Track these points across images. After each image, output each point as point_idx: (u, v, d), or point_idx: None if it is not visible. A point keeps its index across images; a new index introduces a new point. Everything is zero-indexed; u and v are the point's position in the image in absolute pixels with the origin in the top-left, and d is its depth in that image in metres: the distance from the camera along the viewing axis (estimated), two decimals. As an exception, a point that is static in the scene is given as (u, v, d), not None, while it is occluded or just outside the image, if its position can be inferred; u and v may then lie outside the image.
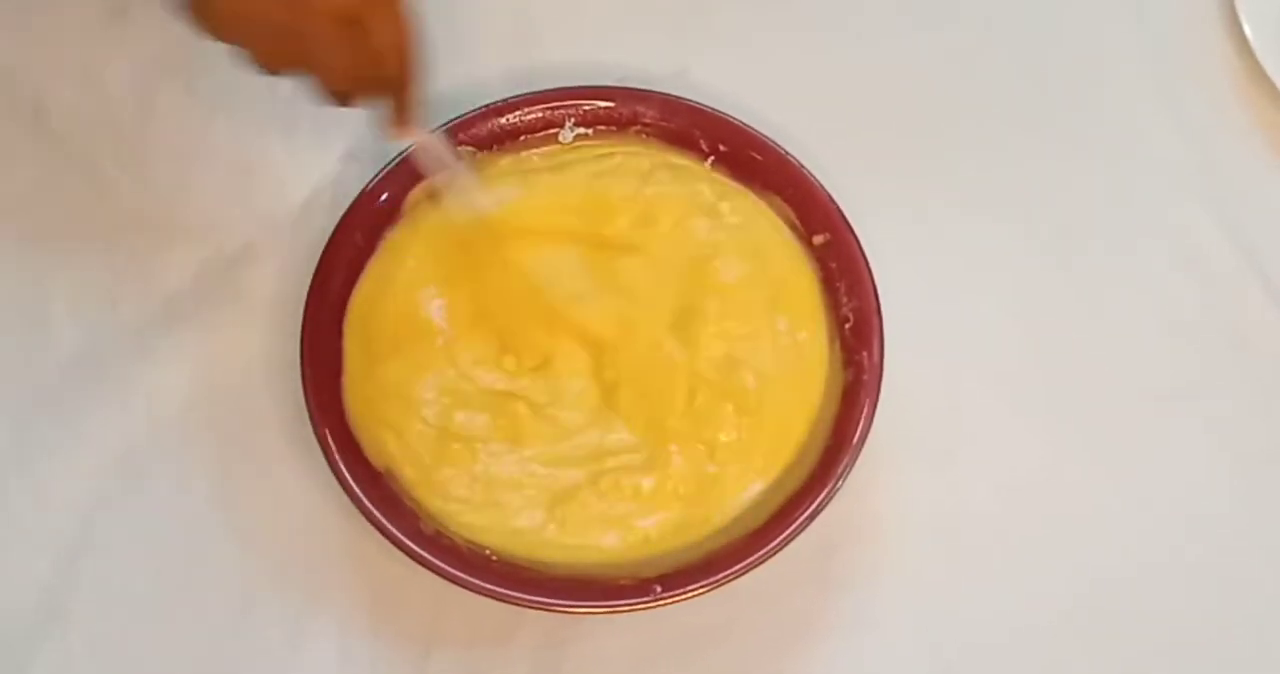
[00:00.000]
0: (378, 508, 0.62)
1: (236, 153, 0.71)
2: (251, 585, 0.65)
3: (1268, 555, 0.68)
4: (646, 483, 0.64)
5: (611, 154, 0.69)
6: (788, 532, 0.61)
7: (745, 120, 0.68)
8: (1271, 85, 0.73)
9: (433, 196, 0.67)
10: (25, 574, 0.65)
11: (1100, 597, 0.67)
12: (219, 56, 0.71)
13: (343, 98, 0.60)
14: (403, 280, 0.67)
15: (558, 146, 0.69)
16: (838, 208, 0.67)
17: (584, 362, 0.66)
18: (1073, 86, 0.75)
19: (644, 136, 0.69)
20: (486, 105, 0.68)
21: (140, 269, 0.70)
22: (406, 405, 0.65)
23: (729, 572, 0.61)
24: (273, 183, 0.70)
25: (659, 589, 0.61)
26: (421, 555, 0.61)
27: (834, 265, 0.67)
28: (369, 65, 0.57)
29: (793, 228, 0.68)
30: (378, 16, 0.56)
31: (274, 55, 0.57)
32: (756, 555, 0.61)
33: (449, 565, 0.61)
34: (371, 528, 0.62)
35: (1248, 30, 0.73)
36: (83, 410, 0.67)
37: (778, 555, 0.61)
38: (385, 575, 0.64)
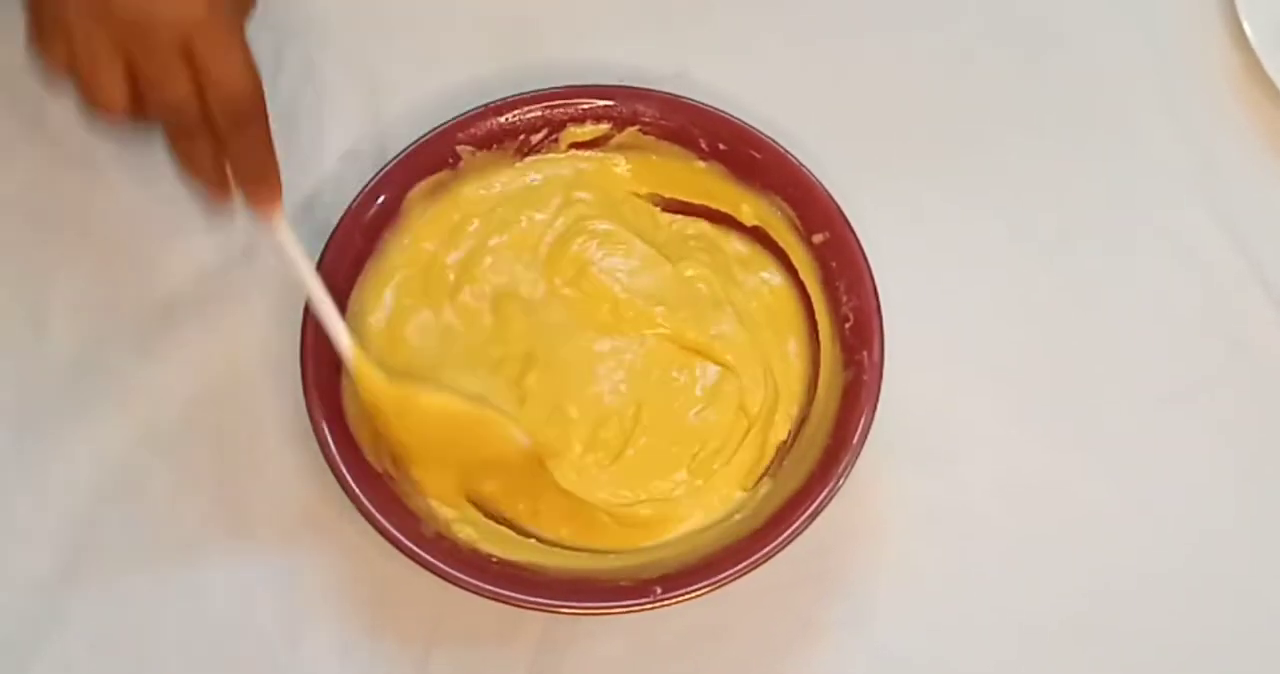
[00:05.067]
0: (378, 509, 0.62)
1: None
2: (251, 586, 0.65)
3: (1267, 555, 0.68)
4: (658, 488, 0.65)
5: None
6: (788, 532, 0.61)
7: (745, 119, 0.68)
8: (1271, 85, 0.73)
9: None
10: (25, 574, 0.65)
11: (1099, 596, 0.67)
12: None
13: (193, 154, 0.57)
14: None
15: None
16: (837, 207, 0.67)
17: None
18: (1072, 86, 0.75)
19: (642, 133, 0.69)
20: (486, 105, 0.68)
21: (140, 269, 0.70)
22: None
23: (729, 572, 0.61)
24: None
25: (659, 590, 0.61)
26: (422, 557, 0.61)
27: (834, 264, 0.67)
28: (209, 101, 0.55)
29: (793, 227, 0.68)
30: (209, 43, 0.54)
31: (119, 92, 0.55)
32: (757, 556, 0.61)
33: (450, 567, 0.61)
34: (371, 529, 0.62)
35: (1248, 29, 0.73)
36: (82, 410, 0.67)
37: (777, 556, 0.61)
38: (385, 575, 0.65)
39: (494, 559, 0.62)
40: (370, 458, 0.64)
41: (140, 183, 0.71)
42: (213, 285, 0.69)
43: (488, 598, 0.61)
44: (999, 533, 0.67)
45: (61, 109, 0.71)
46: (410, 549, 0.61)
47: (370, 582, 0.65)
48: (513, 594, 0.61)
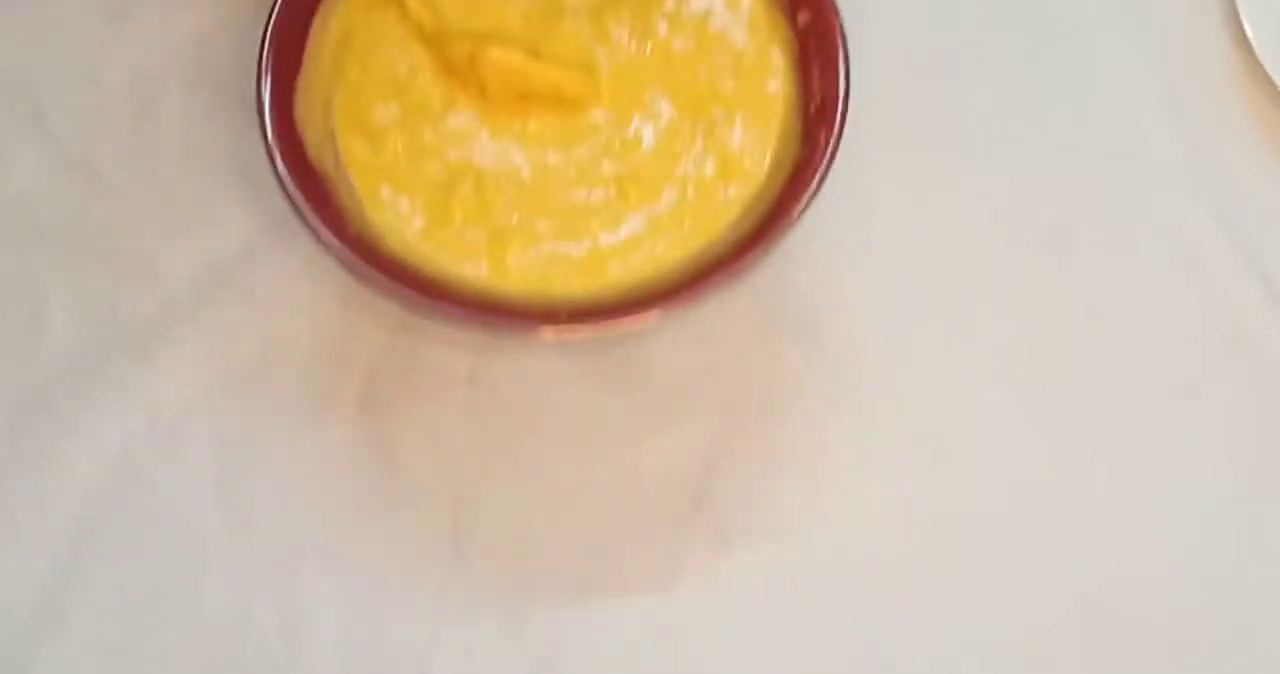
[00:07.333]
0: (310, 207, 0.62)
1: (236, 152, 0.71)
2: (251, 586, 0.66)
3: (1268, 555, 0.68)
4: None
5: None
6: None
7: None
8: (1272, 85, 0.73)
9: None
10: (25, 574, 0.66)
11: (1100, 596, 0.67)
12: (219, 56, 0.72)
13: None
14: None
15: None
16: None
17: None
18: (1072, 85, 0.75)
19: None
20: None
21: (140, 269, 0.70)
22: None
23: (680, 297, 0.60)
24: (273, 183, 0.70)
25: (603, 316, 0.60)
26: (345, 253, 0.61)
27: (811, 43, 0.66)
28: None
29: (779, 4, 0.67)
30: None
31: None
32: (716, 276, 0.60)
33: (369, 265, 0.61)
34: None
35: (1248, 29, 0.73)
36: (82, 410, 0.67)
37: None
38: (385, 578, 0.65)
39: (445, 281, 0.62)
40: (311, 156, 0.64)
41: (140, 183, 0.71)
42: (213, 286, 0.69)
43: (407, 306, 0.61)
44: (999, 532, 0.67)
45: (61, 109, 0.72)
46: (337, 248, 0.61)
47: (370, 583, 0.65)
48: (440, 305, 0.61)
